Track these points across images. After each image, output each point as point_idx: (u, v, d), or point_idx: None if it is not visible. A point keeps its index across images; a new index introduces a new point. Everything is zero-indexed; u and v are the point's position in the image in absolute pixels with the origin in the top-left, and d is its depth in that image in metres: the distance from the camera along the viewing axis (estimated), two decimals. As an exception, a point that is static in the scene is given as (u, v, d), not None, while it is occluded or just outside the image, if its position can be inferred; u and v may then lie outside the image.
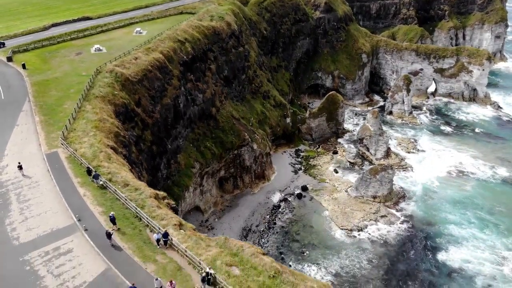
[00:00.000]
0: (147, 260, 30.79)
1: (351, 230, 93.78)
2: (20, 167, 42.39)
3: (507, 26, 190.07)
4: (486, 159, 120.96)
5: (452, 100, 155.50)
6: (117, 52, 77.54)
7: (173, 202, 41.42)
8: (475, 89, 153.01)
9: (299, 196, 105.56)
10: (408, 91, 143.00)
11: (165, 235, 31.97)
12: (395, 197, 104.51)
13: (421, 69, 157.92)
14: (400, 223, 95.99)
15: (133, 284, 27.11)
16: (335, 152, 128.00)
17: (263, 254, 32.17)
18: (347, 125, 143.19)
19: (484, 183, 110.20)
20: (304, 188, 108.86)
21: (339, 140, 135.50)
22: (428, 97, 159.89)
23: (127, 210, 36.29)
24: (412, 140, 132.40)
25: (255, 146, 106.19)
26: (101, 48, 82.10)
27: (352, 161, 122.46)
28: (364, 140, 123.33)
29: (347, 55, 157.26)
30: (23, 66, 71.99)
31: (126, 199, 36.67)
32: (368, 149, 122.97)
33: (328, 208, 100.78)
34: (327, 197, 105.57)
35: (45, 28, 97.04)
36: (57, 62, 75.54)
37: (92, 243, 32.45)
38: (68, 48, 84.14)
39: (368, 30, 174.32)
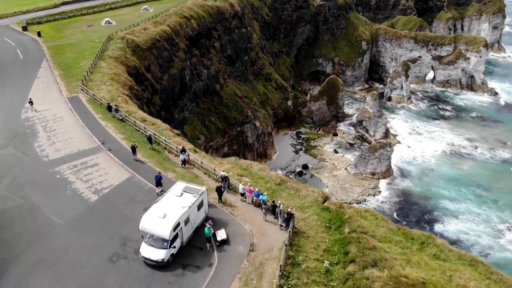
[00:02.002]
0: (167, 170, 34.18)
1: (350, 203, 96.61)
2: (31, 103, 45.83)
3: (504, 16, 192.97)
4: (484, 141, 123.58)
5: (450, 87, 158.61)
6: (127, 25, 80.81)
7: (186, 139, 44.67)
8: (472, 76, 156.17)
9: (300, 173, 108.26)
10: (407, 76, 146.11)
11: (183, 150, 35.29)
12: (393, 174, 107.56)
13: (420, 57, 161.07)
14: (397, 198, 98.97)
15: (159, 173, 30.37)
16: (335, 134, 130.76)
17: (270, 170, 35.45)
18: (347, 110, 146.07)
19: (482, 163, 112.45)
20: (305, 167, 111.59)
21: (339, 123, 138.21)
22: (426, 84, 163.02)
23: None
24: (411, 123, 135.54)
25: (257, 124, 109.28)
26: (111, 21, 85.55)
27: (351, 142, 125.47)
28: (364, 122, 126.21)
29: (347, 42, 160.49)
30: (38, 34, 75.45)
31: (145, 128, 40.00)
32: (367, 131, 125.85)
33: (328, 184, 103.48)
34: (327, 174, 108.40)
35: (56, 6, 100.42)
36: (70, 32, 79.02)
37: (117, 159, 35.79)
38: (79, 21, 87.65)
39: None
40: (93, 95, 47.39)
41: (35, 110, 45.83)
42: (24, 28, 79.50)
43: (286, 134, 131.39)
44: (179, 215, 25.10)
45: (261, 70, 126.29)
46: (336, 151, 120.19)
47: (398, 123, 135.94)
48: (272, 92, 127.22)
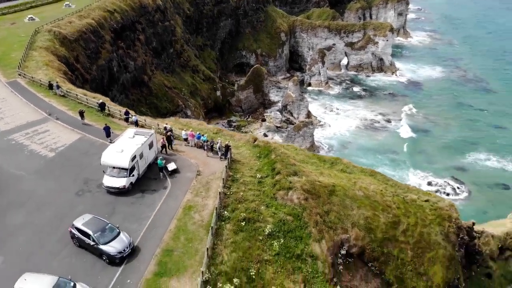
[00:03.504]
0: (115, 129, 38.57)
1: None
2: None
3: (408, 3, 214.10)
4: (394, 115, 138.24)
5: (362, 70, 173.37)
6: (51, 20, 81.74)
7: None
8: (381, 59, 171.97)
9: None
10: (323, 63, 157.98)
11: (127, 113, 39.83)
12: (316, 149, 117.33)
13: (334, 44, 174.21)
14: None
15: (106, 124, 34.79)
16: (264, 120, 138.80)
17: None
18: (273, 98, 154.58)
19: (394, 133, 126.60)
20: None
21: (267, 110, 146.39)
22: (341, 69, 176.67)
23: (90, 108, 43.45)
24: (329, 104, 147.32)
25: (189, 113, 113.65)
26: (34, 17, 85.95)
27: (278, 125, 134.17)
28: (288, 106, 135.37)
29: (267, 35, 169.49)
30: (-42, 32, 74.66)
31: (87, 100, 43.81)
32: (291, 114, 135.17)
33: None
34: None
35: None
36: (-7, 30, 78.72)
37: (65, 125, 39.45)
38: (1, 20, 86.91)
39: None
40: (32, 77, 49.89)
41: None
42: None
43: (217, 123, 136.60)
44: (134, 149, 30.16)
45: (188, 62, 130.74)
46: (265, 135, 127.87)
47: (318, 105, 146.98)
48: (200, 83, 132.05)
